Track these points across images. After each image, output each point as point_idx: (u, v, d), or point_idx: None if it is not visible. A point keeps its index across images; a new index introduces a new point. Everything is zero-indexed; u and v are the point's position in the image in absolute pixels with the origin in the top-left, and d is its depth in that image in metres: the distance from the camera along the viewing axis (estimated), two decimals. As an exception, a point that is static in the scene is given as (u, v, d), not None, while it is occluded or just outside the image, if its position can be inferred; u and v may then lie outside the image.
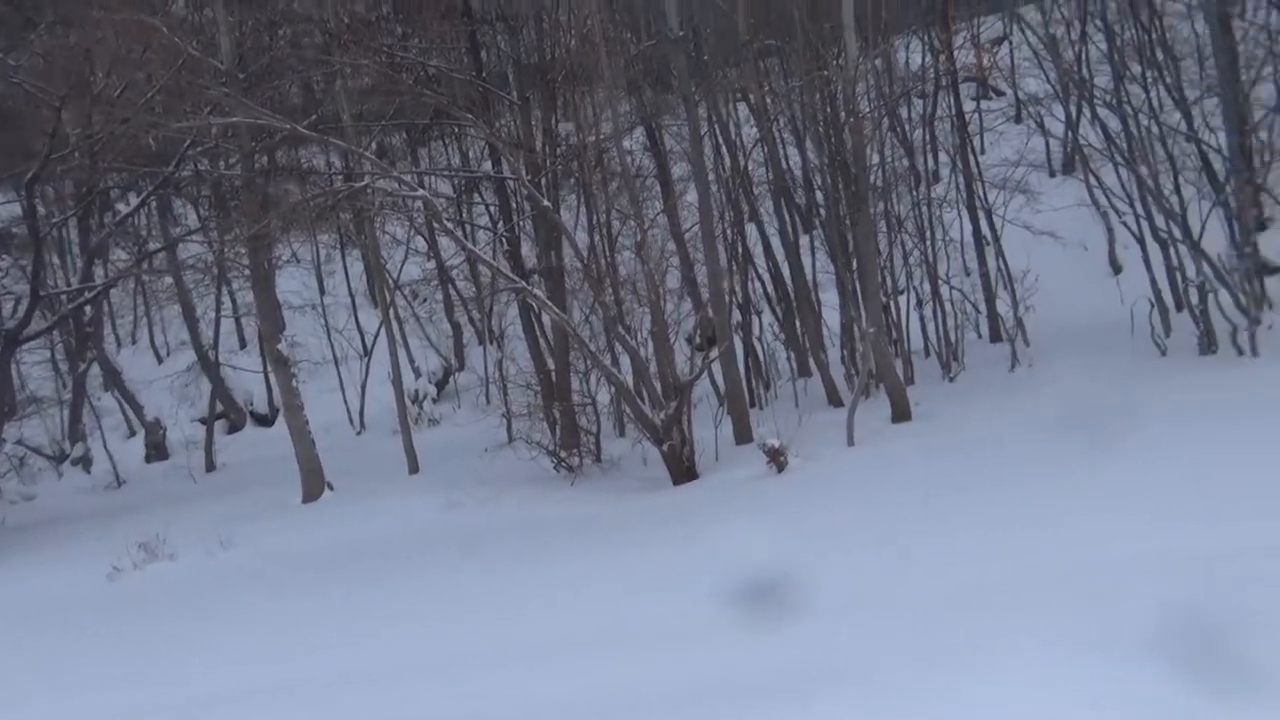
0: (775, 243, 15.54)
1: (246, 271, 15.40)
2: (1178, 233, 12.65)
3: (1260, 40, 13.83)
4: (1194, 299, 11.82)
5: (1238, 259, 12.28)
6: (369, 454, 15.89)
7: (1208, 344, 11.55)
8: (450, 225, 14.10)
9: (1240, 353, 11.07)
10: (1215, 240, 12.75)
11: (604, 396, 13.57)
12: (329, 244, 20.60)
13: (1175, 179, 13.10)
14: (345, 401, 18.43)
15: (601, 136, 14.64)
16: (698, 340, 14.97)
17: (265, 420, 19.27)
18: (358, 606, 7.82)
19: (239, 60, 13.84)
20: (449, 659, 6.02)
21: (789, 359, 15.49)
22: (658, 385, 11.84)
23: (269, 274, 15.23)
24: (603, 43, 13.78)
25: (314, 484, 13.21)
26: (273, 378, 16.62)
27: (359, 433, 18.22)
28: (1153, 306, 12.37)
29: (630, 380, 12.25)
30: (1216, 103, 14.07)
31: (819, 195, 15.22)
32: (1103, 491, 6.84)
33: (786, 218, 15.76)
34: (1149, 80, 13.86)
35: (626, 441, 12.73)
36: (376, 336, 17.82)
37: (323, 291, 20.34)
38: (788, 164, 16.18)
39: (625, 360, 12.79)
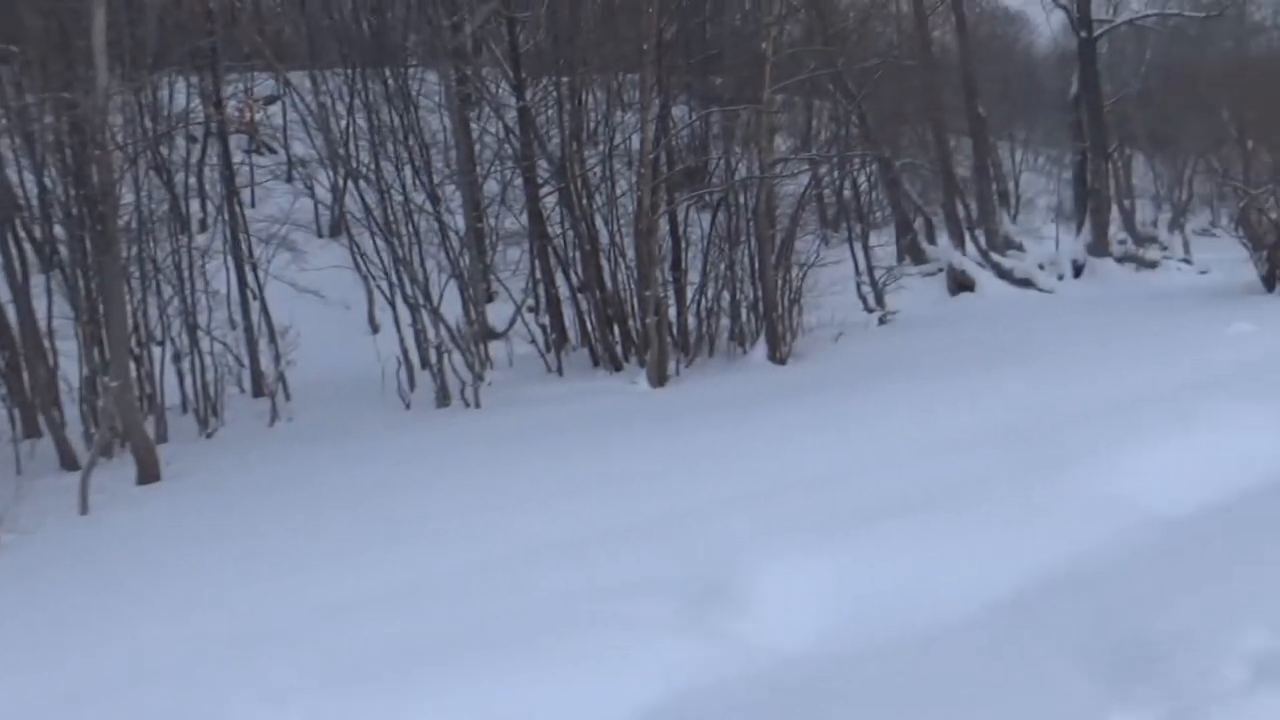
0: (-2, 280, 13.21)
1: None
2: (423, 299, 14.22)
3: (488, 143, 16.49)
4: (434, 358, 13.34)
5: (468, 325, 14.33)
6: None
7: (443, 398, 13.10)
8: None
9: (467, 405, 12.78)
10: (452, 308, 14.67)
11: None
12: None
13: (421, 252, 14.77)
14: None
15: None
16: None
17: None
18: None
19: None
20: None
21: (12, 417, 13.20)
22: None
23: None
24: None
25: None
26: None
27: None
28: (400, 364, 13.62)
29: None
30: (456, 189, 16.39)
31: (59, 230, 13.44)
32: (342, 532, 7.29)
33: (15, 252, 13.53)
34: (402, 162, 15.48)
35: None
36: None
37: None
38: (23, 189, 14.00)
39: None
